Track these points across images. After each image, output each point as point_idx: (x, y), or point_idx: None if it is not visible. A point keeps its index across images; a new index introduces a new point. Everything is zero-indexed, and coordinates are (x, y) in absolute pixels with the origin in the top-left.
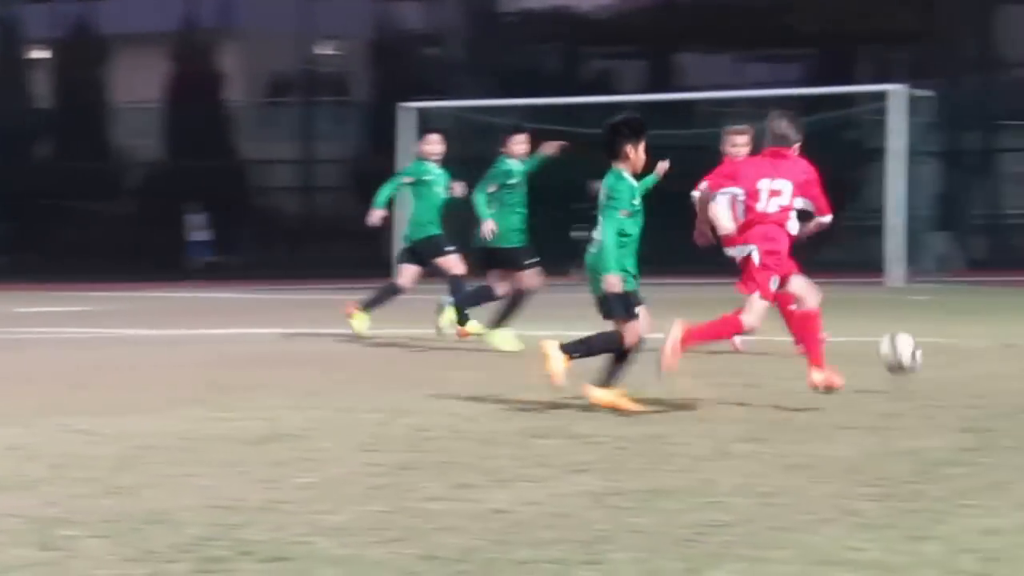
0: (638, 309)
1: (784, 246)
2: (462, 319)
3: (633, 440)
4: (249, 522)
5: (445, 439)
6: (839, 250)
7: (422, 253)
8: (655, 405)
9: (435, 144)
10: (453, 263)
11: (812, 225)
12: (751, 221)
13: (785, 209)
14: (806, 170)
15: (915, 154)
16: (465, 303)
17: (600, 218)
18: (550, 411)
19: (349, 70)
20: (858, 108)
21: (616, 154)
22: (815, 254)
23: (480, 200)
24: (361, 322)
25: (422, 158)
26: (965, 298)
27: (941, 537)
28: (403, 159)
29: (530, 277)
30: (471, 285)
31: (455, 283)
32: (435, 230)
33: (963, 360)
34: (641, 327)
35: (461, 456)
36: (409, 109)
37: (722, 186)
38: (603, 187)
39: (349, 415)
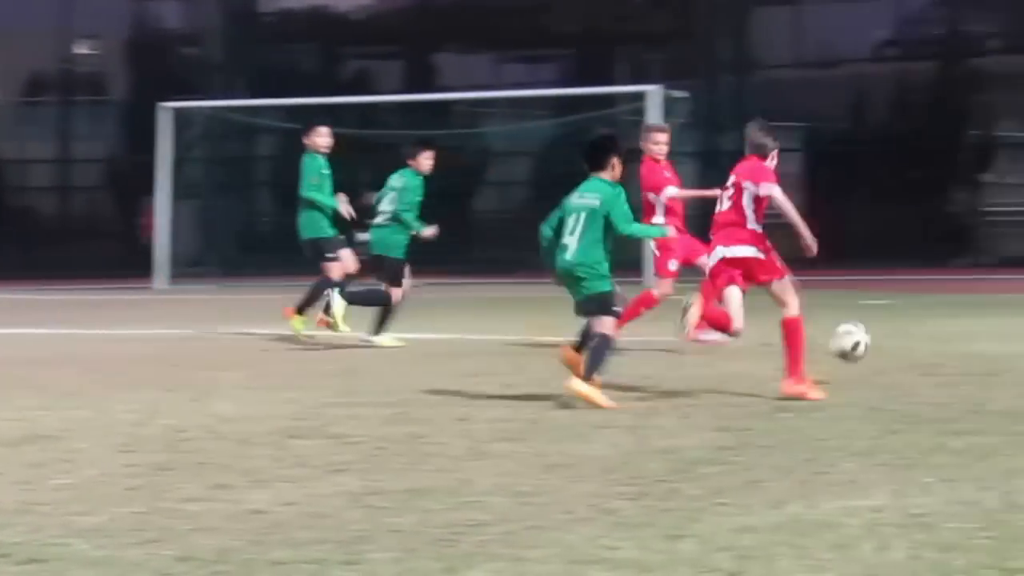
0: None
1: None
2: (301, 310)
3: (391, 440)
4: (4, 524)
5: (202, 439)
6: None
7: (310, 250)
8: (408, 407)
9: (325, 136)
10: (335, 269)
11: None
12: (717, 222)
13: (734, 207)
14: (755, 166)
15: (672, 155)
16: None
17: (584, 221)
18: (309, 412)
19: (107, 69)
20: (616, 109)
21: (603, 166)
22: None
23: (410, 217)
24: (300, 323)
25: (313, 151)
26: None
27: (696, 535)
28: (162, 158)
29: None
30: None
31: (326, 284)
32: (328, 231)
33: (719, 360)
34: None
35: (218, 457)
36: (167, 109)
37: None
38: (594, 197)
39: (106, 416)
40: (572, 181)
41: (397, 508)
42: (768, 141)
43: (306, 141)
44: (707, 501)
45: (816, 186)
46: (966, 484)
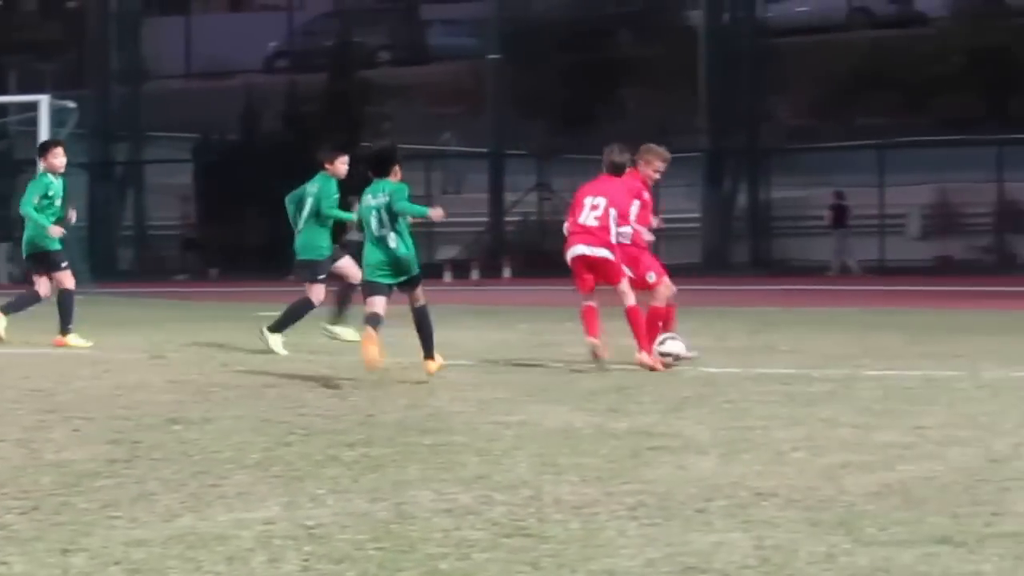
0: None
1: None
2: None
3: None
4: None
5: None
6: None
7: (39, 264)
8: None
9: (61, 156)
10: (65, 278)
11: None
12: (573, 232)
13: (601, 221)
14: (629, 187)
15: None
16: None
17: (395, 218)
18: None
19: None
20: (7, 119)
21: (387, 172)
22: None
23: (335, 213)
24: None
25: (47, 172)
26: (113, 309)
27: (88, 549)
28: None
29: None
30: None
31: (63, 296)
32: (54, 244)
33: (110, 371)
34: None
35: None
36: None
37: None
38: (384, 195)
39: None
40: None
41: None
42: (627, 160)
43: (43, 163)
44: (99, 515)
45: (207, 197)
46: (358, 495)
